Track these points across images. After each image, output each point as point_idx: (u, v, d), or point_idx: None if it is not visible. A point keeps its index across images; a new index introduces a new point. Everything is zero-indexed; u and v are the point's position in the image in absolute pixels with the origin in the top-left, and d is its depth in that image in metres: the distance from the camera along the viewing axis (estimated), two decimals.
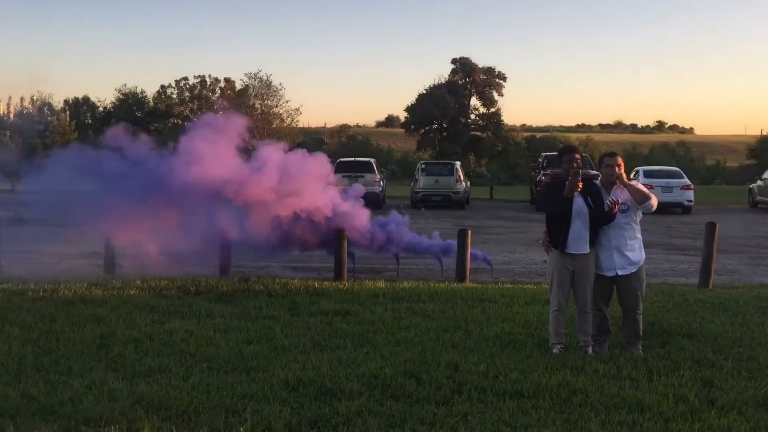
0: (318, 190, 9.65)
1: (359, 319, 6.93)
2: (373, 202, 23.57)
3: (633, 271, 5.91)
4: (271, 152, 9.58)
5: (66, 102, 61.22)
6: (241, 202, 9.08)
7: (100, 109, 65.15)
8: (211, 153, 8.95)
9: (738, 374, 5.30)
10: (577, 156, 5.95)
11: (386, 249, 10.25)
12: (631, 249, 5.92)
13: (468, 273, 9.54)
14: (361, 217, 10.03)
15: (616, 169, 5.93)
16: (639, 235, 6.02)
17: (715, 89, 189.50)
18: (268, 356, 5.62)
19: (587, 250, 5.86)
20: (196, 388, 4.80)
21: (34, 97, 49.48)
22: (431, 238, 10.46)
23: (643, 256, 6.03)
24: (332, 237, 9.48)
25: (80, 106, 64.34)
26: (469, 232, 9.75)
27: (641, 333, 5.99)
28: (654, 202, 5.92)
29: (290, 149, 10.10)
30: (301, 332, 6.39)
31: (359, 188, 10.89)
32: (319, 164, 9.87)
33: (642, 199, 5.86)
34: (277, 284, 8.56)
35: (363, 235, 9.96)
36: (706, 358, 5.69)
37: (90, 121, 62.53)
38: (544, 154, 29.33)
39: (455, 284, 9.00)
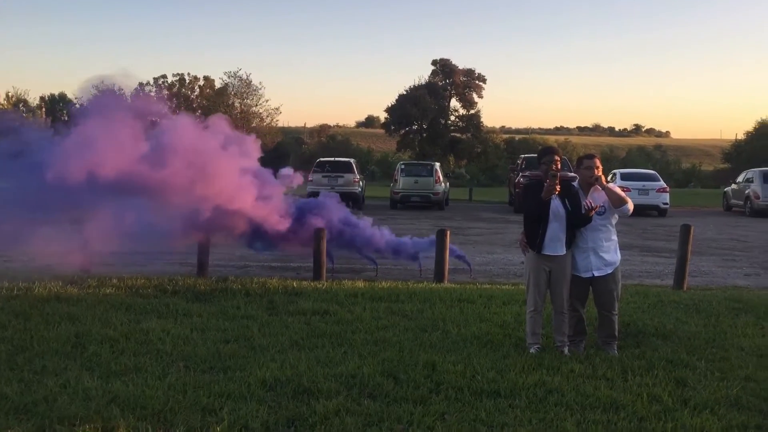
0: (233, 176, 8.63)
1: (337, 318, 6.92)
2: (353, 202, 23.79)
3: (609, 272, 5.97)
4: (175, 135, 8.43)
5: (42, 99, 60.52)
6: (138, 193, 8.19)
7: (77, 105, 64.40)
8: (100, 139, 7.88)
9: (711, 374, 5.38)
10: (557, 158, 5.97)
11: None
12: (607, 250, 5.97)
13: (446, 273, 9.57)
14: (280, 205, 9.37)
15: (596, 171, 5.96)
16: (615, 237, 6.08)
17: (691, 94, 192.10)
18: (246, 355, 5.60)
19: (563, 251, 5.90)
20: (172, 387, 4.77)
21: (9, 94, 48.86)
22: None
23: (619, 257, 6.09)
24: (259, 230, 9.07)
25: (56, 103, 63.62)
26: (448, 232, 9.79)
27: (617, 333, 6.07)
28: (630, 206, 5.96)
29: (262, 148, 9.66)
30: (279, 332, 6.37)
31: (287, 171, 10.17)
32: (237, 147, 8.90)
33: (619, 202, 5.89)
34: (255, 284, 8.53)
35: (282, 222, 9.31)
36: (680, 358, 5.77)
37: (66, 118, 61.79)
38: (522, 156, 29.52)
39: (434, 284, 9.03)
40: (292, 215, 9.46)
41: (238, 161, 8.79)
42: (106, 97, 8.60)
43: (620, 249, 6.18)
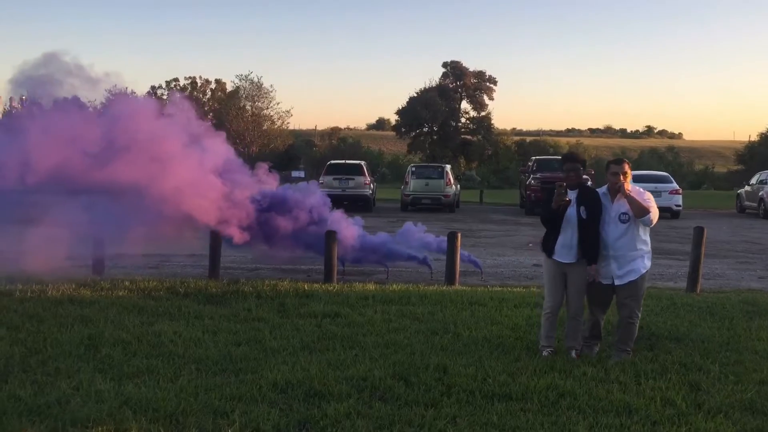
0: (187, 169, 8.23)
1: (348, 321, 6.92)
2: (364, 205, 23.80)
3: (630, 280, 5.80)
4: (126, 127, 7.92)
5: (56, 102, 60.92)
6: (84, 190, 7.80)
7: (90, 110, 64.85)
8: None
9: (725, 378, 5.33)
10: (573, 171, 5.85)
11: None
12: (631, 259, 5.80)
13: (457, 276, 9.55)
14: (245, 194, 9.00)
15: (621, 177, 5.75)
16: (643, 246, 5.85)
17: (703, 95, 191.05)
18: (257, 358, 5.61)
19: (573, 260, 5.81)
20: (184, 389, 4.78)
21: (24, 98, 49.23)
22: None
23: (647, 266, 5.88)
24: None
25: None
26: (459, 235, 9.77)
27: (631, 341, 5.91)
28: (654, 215, 5.72)
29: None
30: (290, 334, 6.38)
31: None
32: (201, 140, 8.49)
33: (640, 212, 5.68)
34: (267, 286, 8.54)
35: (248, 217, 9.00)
36: (694, 361, 5.73)
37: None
38: (533, 158, 29.45)
39: (444, 287, 9.01)
40: (259, 212, 9.12)
41: (199, 155, 8.45)
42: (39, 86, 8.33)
43: None
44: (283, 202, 9.60)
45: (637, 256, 5.83)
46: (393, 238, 10.33)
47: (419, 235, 10.34)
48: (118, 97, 9.03)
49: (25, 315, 6.82)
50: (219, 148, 9.04)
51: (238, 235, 9.00)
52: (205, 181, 8.51)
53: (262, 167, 9.82)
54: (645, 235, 5.89)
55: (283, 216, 9.43)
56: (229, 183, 8.89)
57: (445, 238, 9.75)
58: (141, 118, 8.20)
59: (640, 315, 5.99)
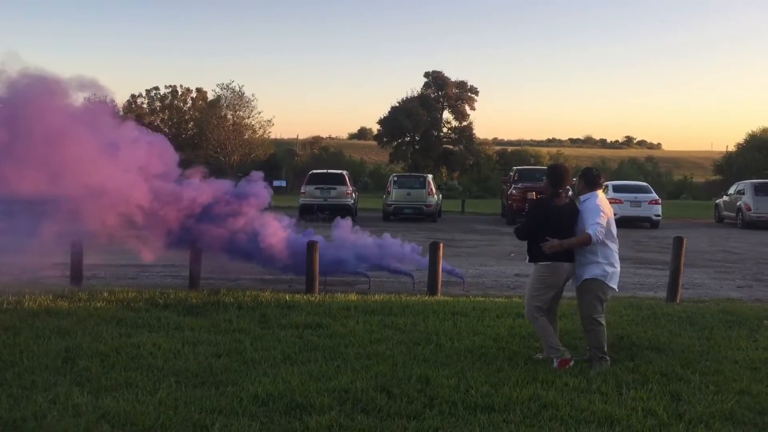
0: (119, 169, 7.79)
1: (330, 332, 6.88)
2: (346, 214, 23.74)
3: (578, 284, 6.02)
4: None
5: None
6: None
7: None
8: None
9: (705, 388, 5.36)
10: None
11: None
12: (580, 264, 5.97)
13: (440, 286, 9.54)
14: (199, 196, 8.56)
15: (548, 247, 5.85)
16: (592, 255, 5.90)
17: (682, 106, 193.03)
18: (238, 370, 5.55)
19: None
20: (163, 402, 4.72)
21: None
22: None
23: (593, 273, 5.90)
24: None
25: None
26: (441, 245, 9.77)
27: (600, 347, 5.92)
28: (592, 236, 5.75)
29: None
30: (272, 345, 6.33)
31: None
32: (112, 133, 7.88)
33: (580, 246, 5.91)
34: (248, 297, 8.47)
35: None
36: (674, 371, 5.76)
37: None
38: (515, 167, 29.62)
39: (427, 297, 9.00)
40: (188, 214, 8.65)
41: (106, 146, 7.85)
42: None
43: None
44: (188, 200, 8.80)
45: (584, 262, 5.97)
46: (328, 243, 9.96)
47: (357, 240, 10.00)
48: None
49: (1, 327, 6.70)
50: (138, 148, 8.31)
51: (153, 244, 8.58)
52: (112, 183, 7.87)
53: (199, 170, 9.31)
54: (599, 245, 5.91)
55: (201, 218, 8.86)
56: (146, 186, 8.30)
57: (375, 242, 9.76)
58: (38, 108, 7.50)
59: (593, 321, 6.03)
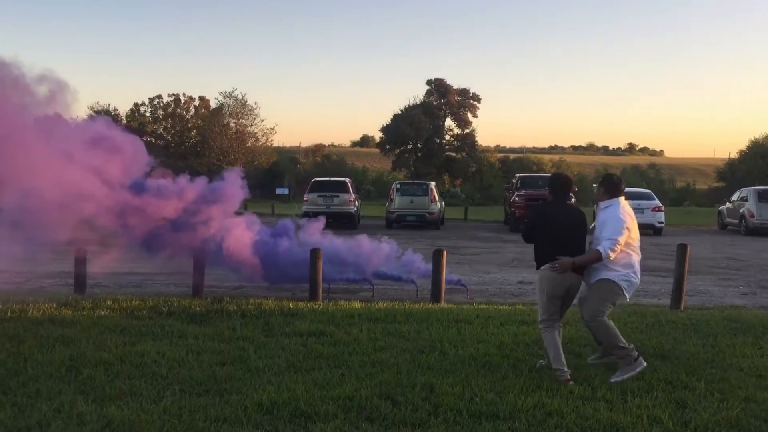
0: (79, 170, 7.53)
1: (334, 340, 6.88)
2: (348, 222, 23.78)
3: (591, 282, 5.93)
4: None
5: None
6: None
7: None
8: None
9: (710, 395, 5.35)
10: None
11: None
12: (599, 267, 5.86)
13: (443, 294, 9.53)
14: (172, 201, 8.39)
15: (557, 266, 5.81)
16: (612, 263, 5.79)
17: (684, 113, 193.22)
18: (242, 378, 5.54)
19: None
20: (168, 411, 4.71)
21: None
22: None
23: (612, 276, 5.82)
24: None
25: None
26: (445, 252, 9.76)
27: (615, 344, 5.81)
28: (604, 253, 5.68)
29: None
30: (276, 353, 6.32)
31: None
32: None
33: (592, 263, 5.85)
34: (251, 305, 8.48)
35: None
36: (679, 379, 5.74)
37: None
38: (518, 174, 29.62)
39: (430, 305, 8.99)
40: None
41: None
42: None
43: None
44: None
45: (594, 267, 5.92)
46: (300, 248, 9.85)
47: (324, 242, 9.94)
48: None
49: (5, 335, 6.71)
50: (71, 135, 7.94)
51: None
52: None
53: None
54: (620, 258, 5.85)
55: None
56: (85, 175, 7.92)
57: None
58: None
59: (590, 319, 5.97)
